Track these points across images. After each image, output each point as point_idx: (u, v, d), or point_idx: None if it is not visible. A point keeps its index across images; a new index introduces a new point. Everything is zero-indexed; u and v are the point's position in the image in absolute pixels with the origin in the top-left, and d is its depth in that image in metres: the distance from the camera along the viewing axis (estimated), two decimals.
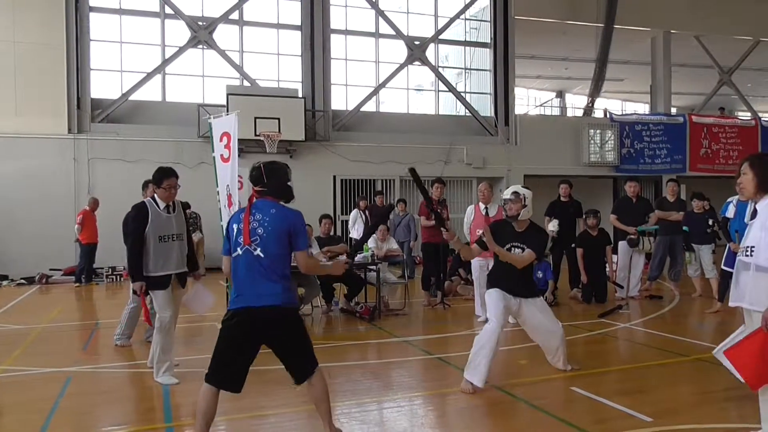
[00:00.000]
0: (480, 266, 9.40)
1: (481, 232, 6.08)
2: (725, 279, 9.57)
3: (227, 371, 4.27)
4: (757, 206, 4.25)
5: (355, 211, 14.89)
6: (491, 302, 6.08)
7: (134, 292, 6.92)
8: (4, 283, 14.77)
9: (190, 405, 5.53)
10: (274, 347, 4.36)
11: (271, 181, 4.54)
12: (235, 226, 4.32)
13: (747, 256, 4.14)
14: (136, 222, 6.22)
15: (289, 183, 4.72)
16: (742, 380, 4.14)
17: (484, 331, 5.87)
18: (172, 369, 6.19)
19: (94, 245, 14.31)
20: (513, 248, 6.06)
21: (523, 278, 6.10)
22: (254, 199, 4.43)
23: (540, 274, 10.82)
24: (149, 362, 6.48)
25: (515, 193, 6.16)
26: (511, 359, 7.14)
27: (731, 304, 4.33)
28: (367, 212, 14.37)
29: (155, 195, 6.38)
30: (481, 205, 9.45)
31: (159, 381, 6.07)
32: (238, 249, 4.24)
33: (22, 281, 14.89)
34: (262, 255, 4.22)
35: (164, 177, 6.32)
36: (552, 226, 10.08)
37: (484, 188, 9.61)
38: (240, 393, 4.27)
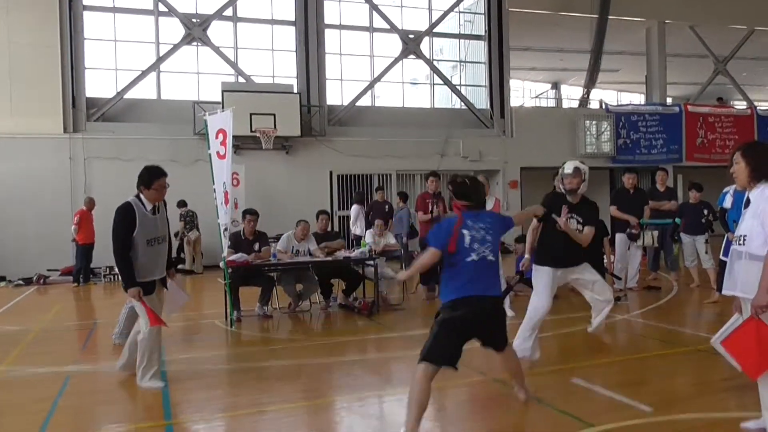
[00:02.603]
0: None
1: (564, 219, 6.19)
2: (723, 269, 9.59)
3: (455, 351, 4.57)
4: (750, 195, 4.26)
5: (356, 207, 14.86)
6: (541, 281, 6.35)
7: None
8: (2, 284, 14.74)
9: (190, 403, 5.54)
10: (487, 329, 4.77)
11: (478, 197, 4.83)
12: (467, 233, 4.57)
13: (740, 244, 4.14)
14: (123, 226, 5.77)
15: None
16: (741, 369, 4.14)
17: (533, 308, 6.29)
18: (159, 373, 5.99)
19: (91, 245, 14.27)
20: (570, 219, 6.31)
21: (573, 248, 6.36)
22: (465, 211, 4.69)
23: None
24: (119, 366, 6.30)
25: (576, 168, 6.46)
26: None
27: (724, 292, 4.35)
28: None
29: (141, 195, 5.92)
30: None
31: (145, 386, 5.86)
32: (473, 254, 4.55)
33: (20, 282, 14.86)
34: (493, 258, 4.63)
35: (154, 177, 5.94)
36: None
37: (481, 181, 9.58)
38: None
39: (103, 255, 14.49)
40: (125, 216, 5.78)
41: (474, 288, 4.54)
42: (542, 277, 6.34)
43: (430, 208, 10.80)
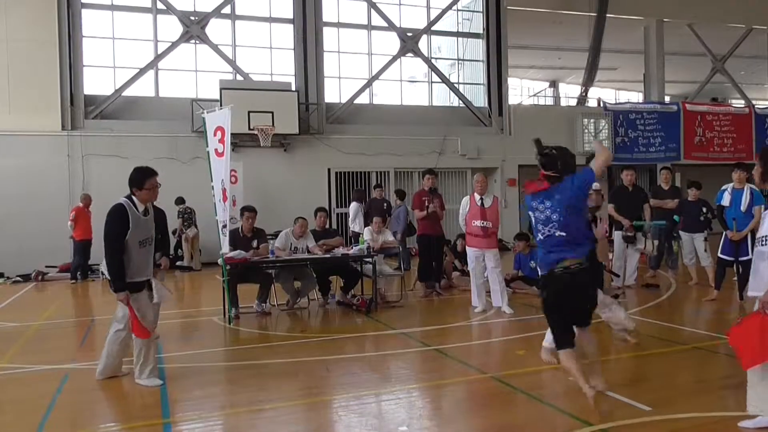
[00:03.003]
0: (476, 257, 9.42)
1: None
2: (721, 267, 9.62)
3: (563, 333, 4.94)
4: None
5: (354, 205, 14.86)
6: None
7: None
8: (0, 280, 14.73)
9: (188, 400, 5.54)
10: (570, 302, 4.95)
11: (566, 166, 4.85)
12: (532, 215, 4.95)
13: (763, 245, 4.17)
14: (117, 227, 5.71)
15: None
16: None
17: None
18: (156, 369, 6.01)
19: (88, 241, 14.24)
20: None
21: None
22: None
23: (533, 264, 10.86)
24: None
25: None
26: (509, 350, 7.16)
27: (750, 293, 4.36)
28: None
29: (134, 196, 5.87)
30: (476, 196, 9.43)
31: (143, 383, 5.87)
32: (540, 234, 4.90)
33: (18, 279, 14.84)
34: (563, 233, 4.78)
35: (146, 177, 5.90)
36: None
37: (479, 179, 9.61)
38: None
39: (101, 252, 14.49)
40: (119, 218, 5.73)
41: (548, 265, 4.86)
42: None
43: (426, 205, 10.82)
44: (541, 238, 4.87)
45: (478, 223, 9.32)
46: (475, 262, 9.44)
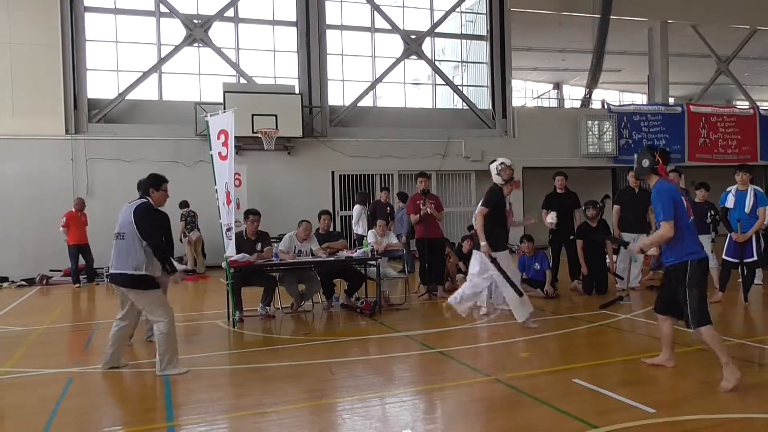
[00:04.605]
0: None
1: None
2: (726, 269, 9.59)
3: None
4: None
5: (358, 207, 14.84)
6: None
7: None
8: (5, 284, 14.76)
9: (192, 404, 5.53)
10: None
11: None
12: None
13: None
14: (152, 220, 6.38)
15: None
16: None
17: None
18: (178, 359, 6.38)
19: (82, 246, 14.23)
20: None
21: None
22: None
23: (537, 266, 10.85)
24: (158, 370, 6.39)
25: None
26: (512, 352, 7.15)
27: None
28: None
29: (150, 198, 6.50)
30: None
31: (171, 373, 6.22)
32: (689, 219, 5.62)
33: (23, 283, 14.88)
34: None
35: (162, 180, 6.57)
36: (550, 218, 10.00)
37: None
38: None
39: (106, 256, 14.50)
40: (152, 211, 6.43)
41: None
42: None
43: (419, 209, 10.83)
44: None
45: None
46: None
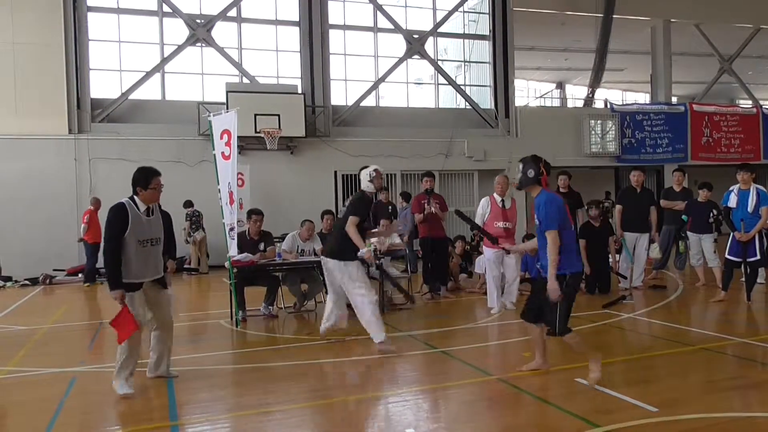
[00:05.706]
0: (496, 258, 9.42)
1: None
2: (729, 268, 9.59)
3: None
4: None
5: None
6: None
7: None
8: (8, 284, 14.78)
9: (196, 403, 5.54)
10: None
11: None
12: None
13: None
14: (115, 225, 5.68)
15: None
16: None
17: None
18: (131, 378, 5.84)
19: (99, 245, 14.29)
20: None
21: None
22: None
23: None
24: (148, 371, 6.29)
25: None
26: (514, 351, 7.15)
27: None
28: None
29: (136, 197, 5.85)
30: (497, 197, 9.46)
31: (114, 384, 5.78)
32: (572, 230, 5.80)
33: (26, 282, 14.91)
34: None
35: (150, 177, 5.89)
36: None
37: (500, 180, 9.64)
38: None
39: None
40: (117, 216, 5.70)
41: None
42: None
43: (424, 208, 10.86)
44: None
45: (500, 224, 9.35)
46: (494, 263, 9.46)
